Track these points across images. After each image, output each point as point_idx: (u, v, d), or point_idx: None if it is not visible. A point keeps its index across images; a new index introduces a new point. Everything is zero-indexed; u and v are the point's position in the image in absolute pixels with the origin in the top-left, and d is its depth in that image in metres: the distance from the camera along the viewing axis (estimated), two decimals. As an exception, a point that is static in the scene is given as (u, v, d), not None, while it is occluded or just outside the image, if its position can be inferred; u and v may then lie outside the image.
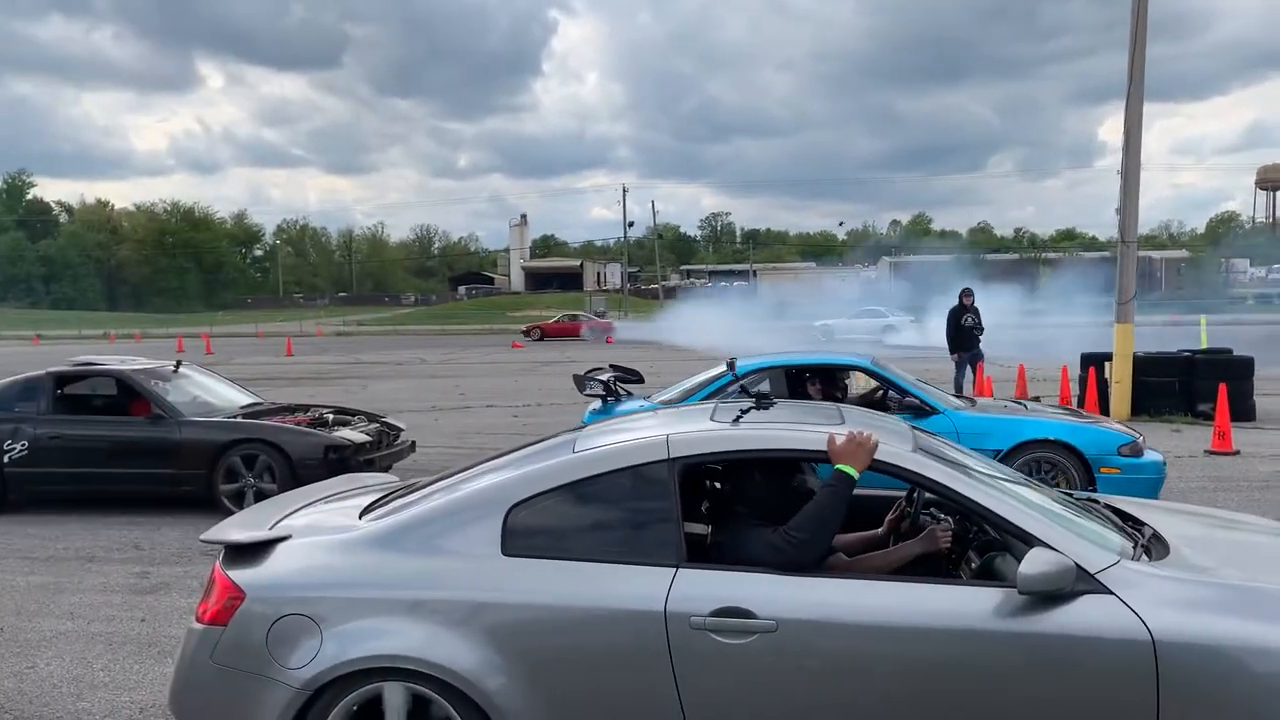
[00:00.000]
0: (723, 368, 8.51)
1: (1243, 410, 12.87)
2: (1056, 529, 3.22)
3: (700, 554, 3.44)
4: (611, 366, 9.42)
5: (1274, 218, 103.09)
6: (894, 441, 3.48)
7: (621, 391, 8.87)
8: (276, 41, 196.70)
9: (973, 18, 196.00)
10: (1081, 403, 13.83)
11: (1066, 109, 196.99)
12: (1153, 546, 3.44)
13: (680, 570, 3.23)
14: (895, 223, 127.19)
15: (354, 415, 9.85)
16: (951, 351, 15.62)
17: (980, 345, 15.65)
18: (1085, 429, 8.00)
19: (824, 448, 3.38)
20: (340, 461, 8.28)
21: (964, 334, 15.50)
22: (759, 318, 40.87)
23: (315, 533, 3.65)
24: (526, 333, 47.57)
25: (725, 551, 3.41)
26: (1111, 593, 3.04)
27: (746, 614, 3.12)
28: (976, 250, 78.31)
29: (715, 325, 35.65)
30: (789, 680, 3.13)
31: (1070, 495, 4.10)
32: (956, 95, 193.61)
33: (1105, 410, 13.47)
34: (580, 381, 9.00)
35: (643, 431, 3.67)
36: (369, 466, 8.47)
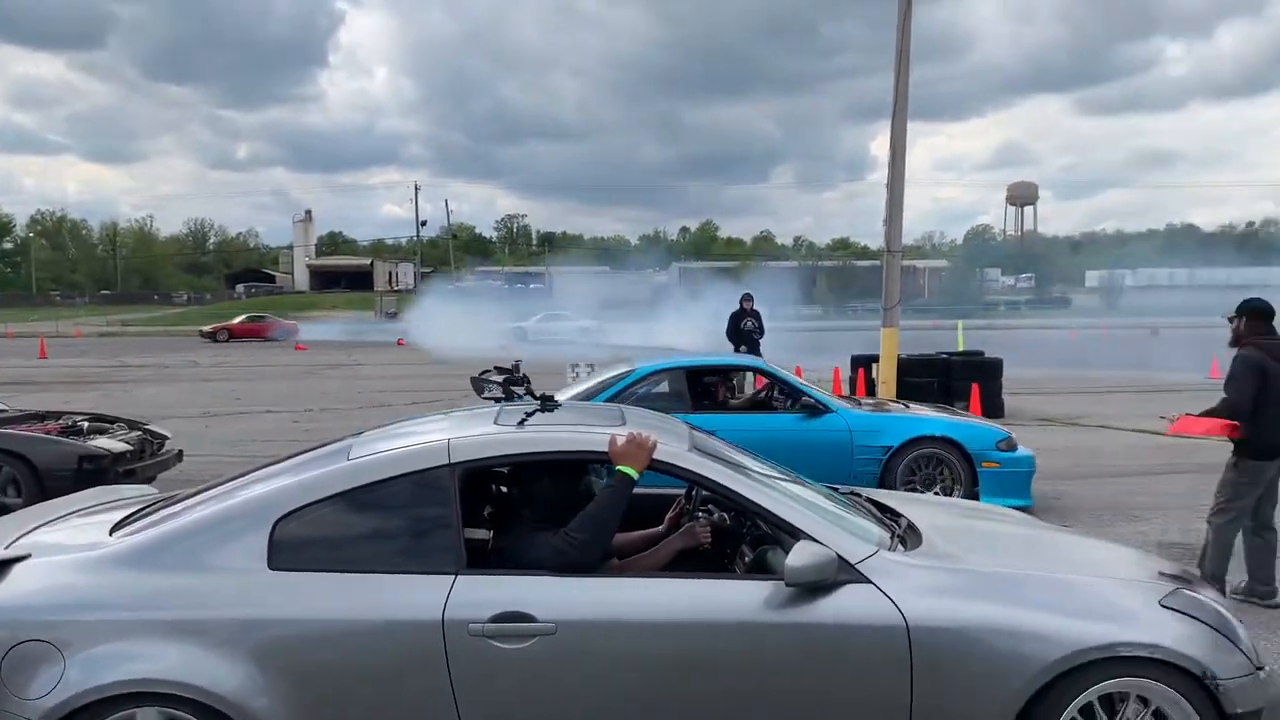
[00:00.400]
0: (626, 367, 8.70)
1: (993, 408, 14.01)
2: (821, 522, 3.39)
3: (482, 560, 3.40)
4: (496, 369, 9.29)
5: (1022, 231, 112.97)
6: (672, 441, 3.56)
7: (516, 394, 8.75)
8: (29, 17, 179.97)
9: (756, 33, 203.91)
10: (853, 402, 14.66)
11: (843, 124, 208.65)
12: (908, 536, 3.68)
13: (459, 577, 3.19)
14: (685, 229, 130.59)
15: (112, 423, 9.14)
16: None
17: (760, 347, 16.32)
18: (968, 425, 8.38)
19: (605, 449, 3.42)
20: (96, 473, 7.66)
21: (743, 337, 16.13)
22: (504, 318, 41.20)
23: (59, 551, 3.37)
24: (213, 335, 44.85)
25: (507, 556, 3.39)
26: (870, 582, 3.23)
27: (526, 618, 3.12)
28: (759, 257, 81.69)
29: (460, 326, 35.22)
30: (570, 682, 3.15)
31: (835, 490, 4.32)
32: (742, 107, 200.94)
33: (874, 409, 14.33)
34: (478, 384, 8.86)
35: (423, 436, 3.60)
36: (129, 478, 7.87)
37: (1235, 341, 5.74)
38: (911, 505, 4.23)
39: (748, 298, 16.57)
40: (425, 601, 3.14)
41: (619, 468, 3.36)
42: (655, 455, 3.40)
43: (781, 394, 8.69)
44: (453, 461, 3.36)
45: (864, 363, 15.31)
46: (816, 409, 8.24)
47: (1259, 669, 3.29)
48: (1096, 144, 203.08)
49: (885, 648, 3.16)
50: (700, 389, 8.77)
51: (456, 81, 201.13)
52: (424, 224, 78.45)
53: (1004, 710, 3.14)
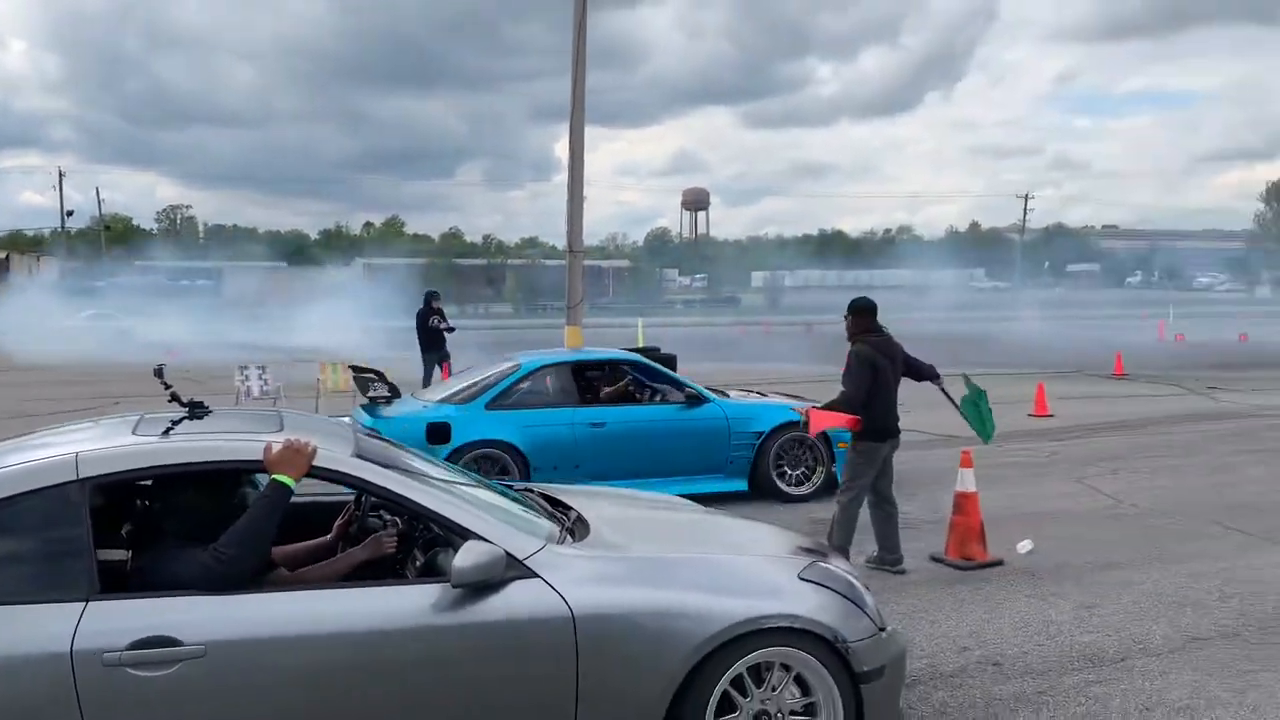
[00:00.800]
0: (511, 364, 8.68)
1: (668, 402, 14.74)
2: (490, 521, 3.41)
3: (119, 582, 3.12)
4: (353, 368, 9.28)
5: (696, 234, 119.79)
6: (334, 446, 3.44)
7: (398, 392, 8.88)
8: None
9: (440, 29, 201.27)
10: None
11: (528, 125, 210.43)
12: (576, 529, 3.78)
13: (91, 603, 2.91)
14: (369, 224, 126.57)
15: None
16: (424, 353, 16.02)
17: (446, 346, 16.18)
18: None
19: (259, 457, 3.25)
20: None
21: (431, 335, 15.93)
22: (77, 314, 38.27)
23: None
24: None
25: (149, 577, 3.13)
26: (538, 576, 3.29)
27: (170, 642, 2.90)
28: (448, 255, 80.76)
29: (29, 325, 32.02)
30: (225, 706, 2.96)
31: (510, 487, 4.37)
32: (427, 102, 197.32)
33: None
34: (362, 384, 8.84)
35: (48, 450, 3.24)
36: None
37: (849, 337, 6.47)
38: (582, 498, 4.36)
39: (434, 295, 16.39)
40: (50, 633, 2.84)
41: (274, 476, 3.20)
42: (315, 462, 3.27)
43: (652, 386, 9.13)
44: (82, 476, 3.05)
45: (553, 360, 15.59)
46: (697, 399, 8.71)
47: (882, 630, 3.68)
48: (760, 154, 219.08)
49: (553, 638, 3.23)
50: (584, 383, 8.95)
51: (109, 59, 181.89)
52: (70, 214, 70.40)
53: (665, 687, 3.30)
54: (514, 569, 3.26)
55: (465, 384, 8.75)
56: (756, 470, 8.65)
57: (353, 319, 35.20)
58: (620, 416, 8.51)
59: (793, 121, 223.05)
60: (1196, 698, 4.44)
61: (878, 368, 6.26)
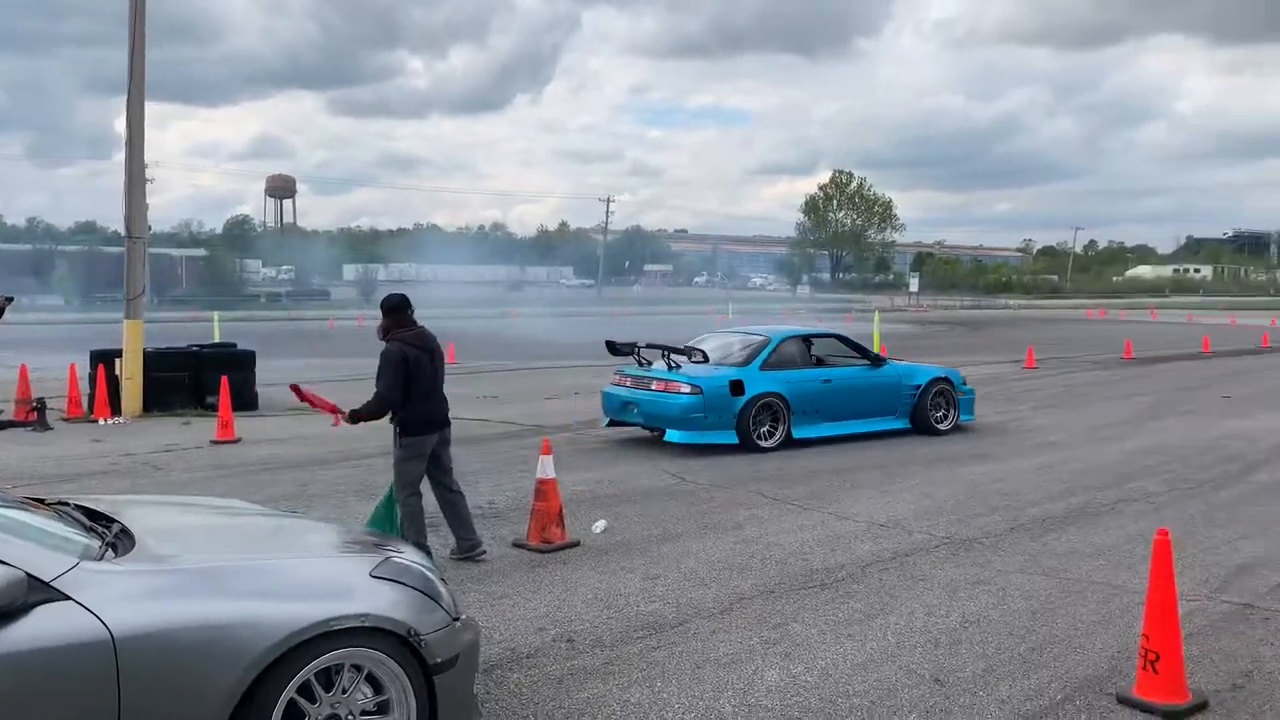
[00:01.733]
0: (762, 337, 11.41)
1: (246, 401, 13.80)
2: (6, 540, 3.00)
3: None
4: (658, 347, 11.41)
5: (282, 223, 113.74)
6: None
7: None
8: None
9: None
10: (93, 401, 13.32)
11: (82, 96, 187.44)
12: (120, 542, 3.43)
13: None
14: None
15: None
16: None
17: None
18: (950, 370, 12.65)
19: None
20: None
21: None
22: None
23: None
24: None
25: None
26: (69, 598, 2.94)
27: None
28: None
29: None
30: None
31: (41, 501, 3.88)
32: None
33: (118, 408, 13.20)
34: (684, 354, 11.04)
35: None
36: None
37: (383, 335, 6.53)
38: (128, 507, 3.97)
39: None
40: None
41: None
42: None
43: (858, 352, 12.13)
44: None
45: (106, 358, 13.97)
46: (879, 361, 12.09)
47: (456, 620, 3.72)
48: (349, 143, 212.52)
49: (89, 665, 2.90)
50: (808, 351, 11.75)
51: None
52: None
53: (223, 703, 3.08)
54: (40, 592, 2.89)
55: (727, 351, 11.36)
56: (916, 412, 11.88)
57: None
58: (840, 375, 11.57)
59: (382, 112, 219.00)
60: (740, 651, 4.98)
61: (409, 362, 6.37)
